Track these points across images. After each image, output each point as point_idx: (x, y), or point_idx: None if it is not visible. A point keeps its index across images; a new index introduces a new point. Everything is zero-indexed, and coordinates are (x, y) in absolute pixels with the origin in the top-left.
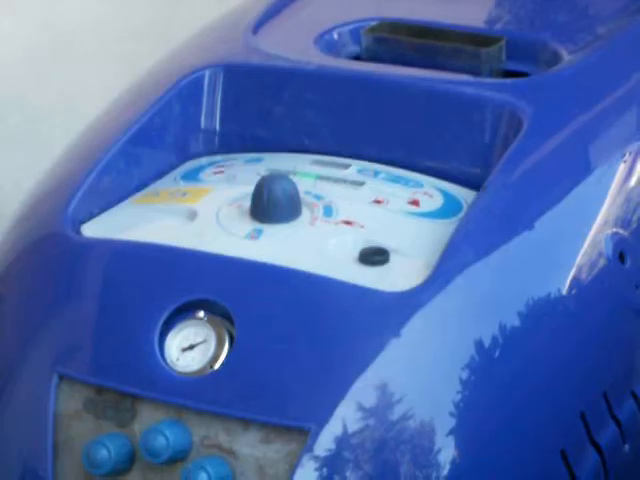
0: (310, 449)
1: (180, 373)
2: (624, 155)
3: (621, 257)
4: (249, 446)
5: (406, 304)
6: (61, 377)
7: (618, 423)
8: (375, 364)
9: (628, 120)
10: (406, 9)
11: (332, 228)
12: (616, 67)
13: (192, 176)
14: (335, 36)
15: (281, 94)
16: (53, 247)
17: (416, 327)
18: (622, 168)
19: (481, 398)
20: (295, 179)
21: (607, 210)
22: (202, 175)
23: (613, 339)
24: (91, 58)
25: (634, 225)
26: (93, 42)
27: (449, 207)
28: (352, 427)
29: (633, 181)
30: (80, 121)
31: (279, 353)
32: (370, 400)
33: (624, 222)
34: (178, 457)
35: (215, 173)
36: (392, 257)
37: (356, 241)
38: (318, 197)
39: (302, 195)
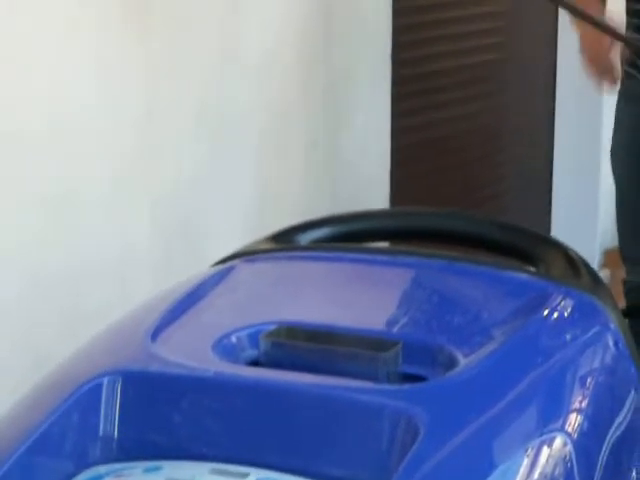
0: None
1: None
2: (525, 452)
3: None
4: None
5: None
6: None
7: None
8: None
9: (527, 418)
10: (304, 311)
11: None
12: (512, 368)
13: None
14: (233, 340)
15: (179, 401)
16: None
17: None
18: (524, 466)
19: None
20: None
21: None
22: None
23: None
24: None
25: None
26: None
27: None
28: None
29: (535, 477)
30: None
31: None
32: None
33: None
34: None
35: None
36: None
37: None
38: None
39: None
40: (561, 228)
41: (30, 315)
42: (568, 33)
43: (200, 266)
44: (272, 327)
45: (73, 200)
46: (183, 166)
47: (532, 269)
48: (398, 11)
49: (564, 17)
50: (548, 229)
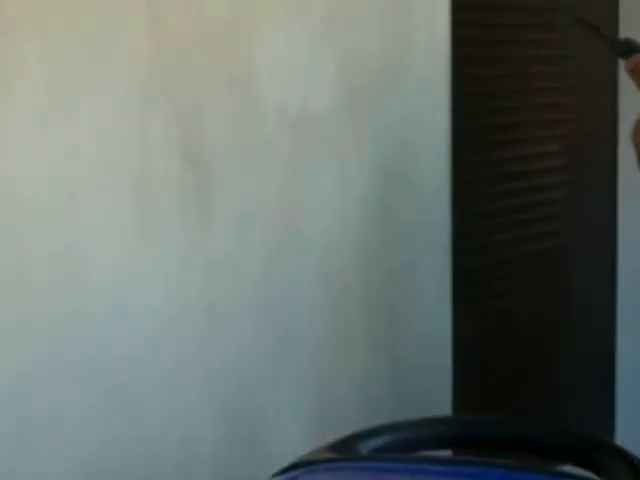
0: None
1: None
2: None
3: None
4: None
5: None
6: None
7: None
8: None
9: None
10: None
11: None
12: None
13: None
14: None
15: None
16: None
17: None
18: None
19: None
20: None
21: None
22: None
23: None
24: None
25: None
26: None
27: None
28: None
29: None
30: None
31: None
32: None
33: None
34: None
35: None
36: None
37: None
38: None
39: None
40: (626, 425)
41: None
42: (628, 223)
43: (260, 462)
44: None
45: (134, 390)
46: (244, 362)
47: (595, 477)
48: (457, 201)
49: (623, 205)
50: (612, 426)
